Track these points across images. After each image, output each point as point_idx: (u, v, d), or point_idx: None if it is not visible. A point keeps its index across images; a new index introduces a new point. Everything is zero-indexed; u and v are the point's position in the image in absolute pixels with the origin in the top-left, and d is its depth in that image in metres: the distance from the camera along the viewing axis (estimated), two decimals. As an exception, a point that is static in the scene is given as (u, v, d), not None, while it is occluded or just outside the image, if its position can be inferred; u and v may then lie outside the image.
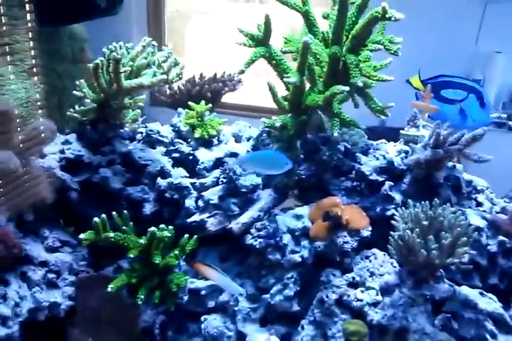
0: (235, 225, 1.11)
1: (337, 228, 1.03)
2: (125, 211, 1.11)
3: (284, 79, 1.04)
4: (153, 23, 2.42)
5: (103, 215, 1.05)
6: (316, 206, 1.09)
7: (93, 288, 1.13)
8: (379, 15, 1.04)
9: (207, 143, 1.25)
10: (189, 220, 1.16)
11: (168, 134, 1.24)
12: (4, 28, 1.17)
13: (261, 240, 1.09)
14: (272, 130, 1.20)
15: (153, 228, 1.04)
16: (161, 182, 1.18)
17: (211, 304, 1.13)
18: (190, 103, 1.24)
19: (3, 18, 1.18)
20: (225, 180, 1.16)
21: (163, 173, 1.20)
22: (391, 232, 0.96)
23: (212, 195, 1.15)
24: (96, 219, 1.03)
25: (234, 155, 1.23)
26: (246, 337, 1.08)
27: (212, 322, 1.09)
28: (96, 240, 1.05)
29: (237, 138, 1.31)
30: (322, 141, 1.16)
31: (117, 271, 1.17)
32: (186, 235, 1.12)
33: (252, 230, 1.11)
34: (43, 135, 0.97)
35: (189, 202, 1.18)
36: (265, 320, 1.11)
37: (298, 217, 1.09)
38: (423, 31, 2.11)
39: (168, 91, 1.47)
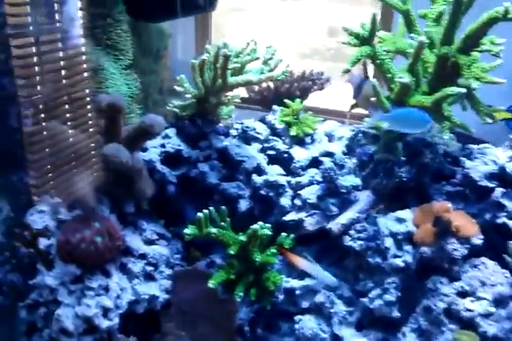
0: (334, 226, 1.09)
1: (446, 234, 1.00)
2: (223, 206, 1.12)
3: (396, 80, 1.01)
4: (201, 21, 2.40)
5: (205, 211, 1.05)
6: (422, 210, 1.05)
7: (189, 282, 1.13)
8: (500, 16, 1.00)
9: (301, 141, 1.24)
10: (285, 218, 1.15)
11: (263, 131, 1.23)
12: (108, 20, 1.19)
13: (361, 242, 1.07)
14: (370, 130, 1.18)
15: (255, 225, 1.03)
16: (257, 179, 1.18)
17: (305, 304, 1.11)
18: (286, 100, 1.22)
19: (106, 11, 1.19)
20: (321, 180, 1.15)
21: (259, 170, 1.20)
22: (510, 241, 0.92)
23: (310, 194, 1.14)
24: (200, 214, 1.03)
25: (329, 154, 1.21)
26: (342, 340, 1.07)
27: (307, 323, 1.08)
28: (198, 235, 1.06)
29: (330, 138, 1.29)
30: (424, 143, 1.13)
31: (211, 266, 1.17)
32: (284, 233, 1.12)
33: (352, 232, 1.09)
34: (151, 129, 0.98)
35: (284, 201, 1.17)
36: (361, 324, 1.09)
37: (400, 221, 1.06)
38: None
39: (256, 88, 1.47)
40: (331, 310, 1.08)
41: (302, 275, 1.15)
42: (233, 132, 1.26)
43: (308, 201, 1.13)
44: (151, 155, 1.15)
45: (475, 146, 1.21)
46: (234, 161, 1.19)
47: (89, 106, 1.28)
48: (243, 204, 1.19)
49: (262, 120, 1.26)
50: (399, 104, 1.07)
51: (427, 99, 1.04)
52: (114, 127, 1.03)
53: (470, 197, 1.09)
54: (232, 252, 1.06)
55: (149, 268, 1.11)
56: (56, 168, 1.23)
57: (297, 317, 1.09)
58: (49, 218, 1.07)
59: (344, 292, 1.11)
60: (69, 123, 1.27)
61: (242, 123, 1.23)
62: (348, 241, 1.09)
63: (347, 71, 1.06)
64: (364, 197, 1.12)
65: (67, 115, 1.25)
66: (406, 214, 1.07)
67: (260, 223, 1.08)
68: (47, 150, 1.21)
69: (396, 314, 1.03)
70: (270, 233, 1.06)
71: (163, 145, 1.17)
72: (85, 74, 1.24)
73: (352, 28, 1.07)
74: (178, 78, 1.17)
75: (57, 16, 1.14)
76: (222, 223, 1.10)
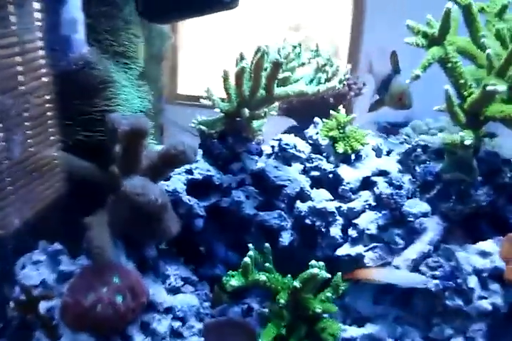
0: (402, 262, 0.91)
1: (545, 270, 0.83)
2: (267, 244, 0.93)
3: (488, 88, 0.82)
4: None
5: (251, 253, 0.86)
6: (511, 240, 0.88)
7: (223, 335, 0.94)
8: None
9: (347, 158, 1.06)
10: (339, 253, 0.97)
11: (304, 149, 1.05)
12: (120, 22, 0.98)
13: (437, 281, 0.89)
14: (432, 144, 1.00)
15: (314, 270, 0.84)
16: (301, 206, 0.99)
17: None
18: (331, 112, 1.04)
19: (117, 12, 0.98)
20: (376, 204, 0.97)
21: (303, 196, 1.01)
22: None
23: (369, 223, 0.95)
24: (246, 259, 0.84)
25: (383, 173, 1.03)
26: None
27: (375, 380, 0.90)
28: (244, 285, 0.87)
29: (377, 153, 1.11)
30: (502, 159, 0.95)
31: (247, 314, 0.98)
32: (339, 273, 0.93)
33: (423, 268, 0.91)
34: (182, 157, 0.79)
35: (334, 231, 0.99)
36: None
37: (484, 254, 0.89)
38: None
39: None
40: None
41: (360, 320, 0.97)
42: (266, 150, 1.07)
43: (366, 232, 0.95)
44: (176, 185, 0.95)
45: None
46: (273, 186, 1.00)
47: (49, 113, 1.05)
48: (286, 238, 1.00)
49: (302, 135, 1.07)
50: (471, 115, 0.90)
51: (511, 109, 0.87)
52: (135, 155, 0.84)
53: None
54: (282, 301, 0.87)
55: (176, 324, 0.91)
56: (15, 181, 1.02)
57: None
58: (48, 270, 0.88)
59: (416, 339, 0.93)
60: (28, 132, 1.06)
61: (280, 140, 1.04)
62: (418, 279, 0.91)
63: (417, 77, 0.87)
64: (433, 226, 0.94)
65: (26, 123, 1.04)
66: (490, 245, 0.89)
67: (313, 262, 0.89)
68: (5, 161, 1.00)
69: (483, 366, 0.86)
70: (329, 276, 0.87)
71: (189, 172, 0.97)
72: (45, 80, 1.02)
73: (419, 26, 0.89)
74: (205, 89, 0.98)
75: (12, 19, 0.94)
76: (267, 264, 0.91)
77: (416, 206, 0.93)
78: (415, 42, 0.89)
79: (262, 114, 0.99)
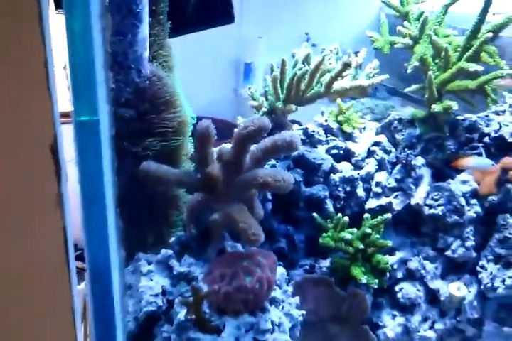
0: (418, 200, 1.28)
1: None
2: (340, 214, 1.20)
3: (470, 69, 1.20)
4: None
5: (339, 215, 1.13)
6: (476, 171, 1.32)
7: (309, 291, 1.19)
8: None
9: (350, 136, 1.38)
10: (371, 206, 1.29)
11: (322, 133, 1.33)
12: (167, 37, 1.07)
13: (442, 208, 1.29)
14: (404, 117, 1.39)
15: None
16: (335, 177, 1.28)
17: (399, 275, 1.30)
18: (338, 102, 1.34)
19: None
20: (378, 167, 1.32)
21: (333, 170, 1.30)
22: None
23: (387, 179, 1.30)
24: (340, 216, 1.11)
25: (377, 144, 1.38)
26: (438, 291, 1.29)
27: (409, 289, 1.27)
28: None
29: (361, 130, 1.45)
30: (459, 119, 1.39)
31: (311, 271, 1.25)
32: (381, 217, 1.25)
33: (430, 201, 1.30)
34: (292, 146, 0.99)
35: (360, 192, 1.31)
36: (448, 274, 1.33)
37: (464, 182, 1.32)
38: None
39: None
40: (422, 272, 1.30)
41: (390, 250, 1.32)
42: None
43: (388, 186, 1.29)
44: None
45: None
46: (313, 166, 1.27)
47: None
48: (330, 205, 1.28)
49: (314, 122, 1.35)
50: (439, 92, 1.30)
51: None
52: (246, 152, 0.98)
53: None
54: (360, 246, 1.16)
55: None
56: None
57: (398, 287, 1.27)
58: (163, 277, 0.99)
59: (429, 252, 1.33)
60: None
61: (306, 129, 1.30)
62: (427, 210, 1.30)
63: None
64: (426, 172, 1.34)
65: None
66: (465, 176, 1.33)
67: (367, 215, 1.20)
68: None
69: (474, 255, 1.29)
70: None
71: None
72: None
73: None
74: (249, 91, 1.18)
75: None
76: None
77: (419, 160, 1.31)
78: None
79: (294, 109, 1.23)
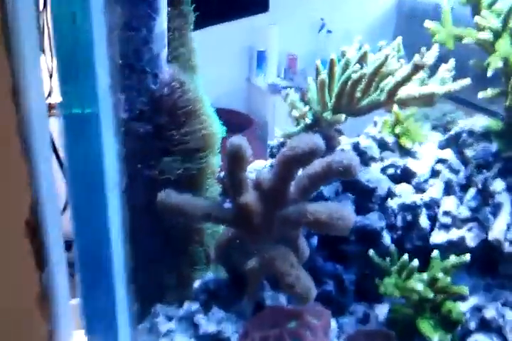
0: (498, 234, 1.03)
1: None
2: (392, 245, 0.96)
3: None
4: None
5: (406, 255, 0.89)
6: None
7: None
8: None
9: (409, 152, 1.14)
10: (437, 241, 1.05)
11: (376, 148, 1.09)
12: (189, 34, 0.85)
13: (527, 245, 1.04)
14: (477, 129, 1.14)
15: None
16: (393, 204, 1.04)
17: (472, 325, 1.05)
18: (394, 110, 1.10)
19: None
20: (445, 191, 1.08)
21: (390, 194, 1.06)
22: None
23: (457, 207, 1.05)
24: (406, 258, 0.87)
25: (442, 161, 1.14)
26: None
27: None
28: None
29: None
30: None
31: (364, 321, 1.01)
32: (452, 257, 1.01)
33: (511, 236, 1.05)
34: (351, 171, 0.75)
35: (423, 222, 1.07)
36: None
37: (554, 213, 1.06)
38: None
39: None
40: (500, 321, 1.05)
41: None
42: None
43: (459, 216, 1.05)
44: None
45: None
46: (367, 190, 1.03)
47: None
48: (387, 237, 1.04)
49: (365, 134, 1.11)
50: None
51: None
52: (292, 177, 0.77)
53: None
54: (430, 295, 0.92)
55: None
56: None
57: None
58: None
59: (508, 298, 1.08)
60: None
61: (357, 144, 1.06)
62: (507, 246, 1.05)
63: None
64: (506, 199, 1.09)
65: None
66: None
67: (436, 253, 0.96)
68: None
69: None
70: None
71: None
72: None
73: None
74: (289, 100, 0.95)
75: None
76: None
77: (498, 184, 1.06)
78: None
79: (343, 119, 1.00)
